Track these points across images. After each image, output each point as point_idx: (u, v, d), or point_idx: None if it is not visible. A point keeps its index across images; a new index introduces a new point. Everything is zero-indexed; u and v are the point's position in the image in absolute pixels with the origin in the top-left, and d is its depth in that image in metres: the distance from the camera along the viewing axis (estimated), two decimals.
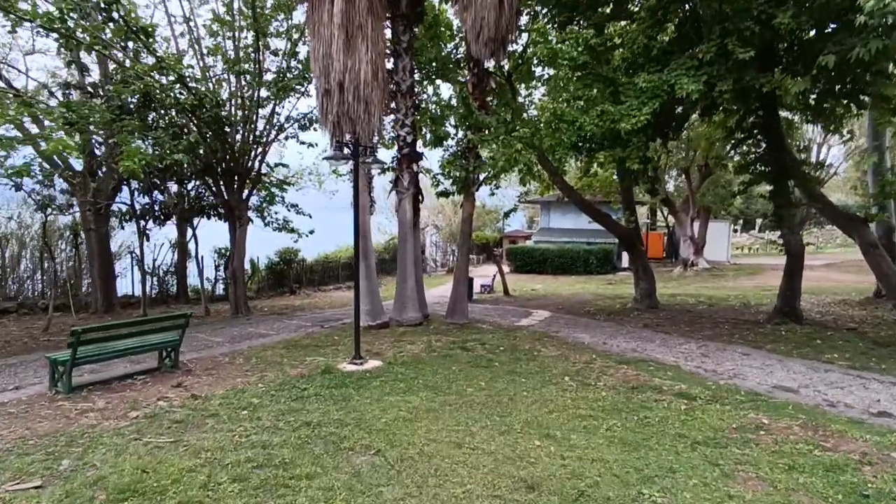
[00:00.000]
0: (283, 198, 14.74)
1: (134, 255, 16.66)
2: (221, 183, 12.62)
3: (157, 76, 10.47)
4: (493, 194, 15.91)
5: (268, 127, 13.17)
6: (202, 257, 15.93)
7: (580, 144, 10.44)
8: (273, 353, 9.24)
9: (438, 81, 13.28)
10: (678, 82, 7.95)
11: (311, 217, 15.34)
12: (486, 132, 11.56)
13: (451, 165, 12.07)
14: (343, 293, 21.77)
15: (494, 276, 20.34)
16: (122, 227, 13.53)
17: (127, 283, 16.91)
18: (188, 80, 10.34)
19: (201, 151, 11.47)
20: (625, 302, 15.98)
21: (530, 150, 10.64)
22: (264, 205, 14.31)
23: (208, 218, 13.94)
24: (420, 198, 13.21)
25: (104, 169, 13.08)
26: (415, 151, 12.07)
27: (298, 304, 17.84)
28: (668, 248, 35.17)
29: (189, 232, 16.42)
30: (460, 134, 12.60)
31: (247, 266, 19.66)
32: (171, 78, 10.64)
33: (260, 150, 13.21)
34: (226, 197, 12.67)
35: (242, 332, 11.31)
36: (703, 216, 28.92)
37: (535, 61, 11.58)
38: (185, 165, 11.63)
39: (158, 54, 10.09)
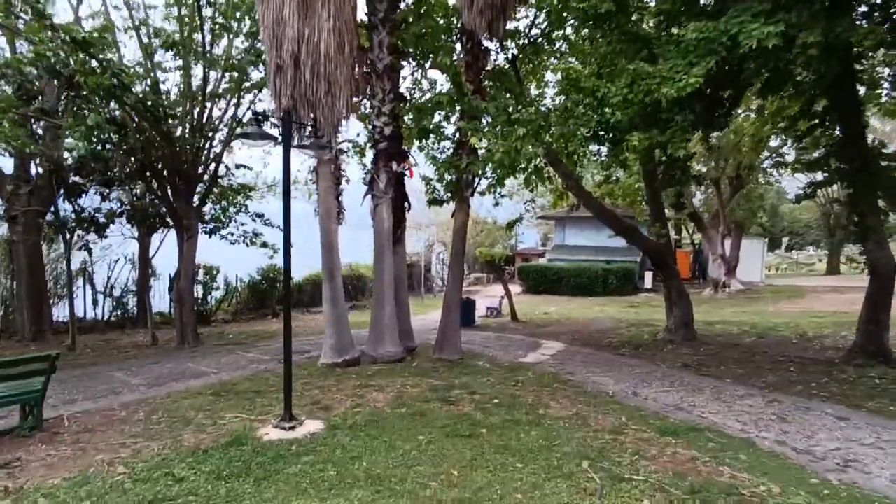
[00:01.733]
0: (246, 206, 12.58)
1: (88, 272, 14.63)
2: (168, 188, 10.47)
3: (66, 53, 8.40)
4: (497, 204, 13.44)
5: (222, 123, 11.06)
6: (157, 275, 13.82)
7: (601, 133, 8.08)
8: (191, 404, 6.90)
9: (427, 65, 11.04)
10: (743, 30, 5.58)
11: (278, 228, 13.16)
12: (482, 122, 9.26)
13: (445, 166, 9.78)
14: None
15: (502, 297, 17.87)
16: (55, 239, 11.38)
17: (82, 304, 14.86)
18: (95, 51, 8.22)
19: (126, 147, 9.40)
20: (654, 331, 13.38)
21: (536, 143, 8.28)
22: (218, 213, 12.13)
23: (152, 229, 11.71)
24: (406, 205, 10.93)
25: (39, 169, 11.06)
26: (395, 146, 9.81)
27: (274, 329, 15.51)
28: (694, 268, 32.32)
29: (154, 245, 14.36)
30: (451, 128, 10.31)
31: (235, 282, 17.54)
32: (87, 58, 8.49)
33: (215, 149, 11.08)
34: (172, 203, 10.54)
35: (174, 371, 9.01)
36: (736, 233, 26.15)
37: (542, 18, 9.26)
38: (109, 161, 9.55)
39: (53, 20, 8.04)
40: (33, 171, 10.90)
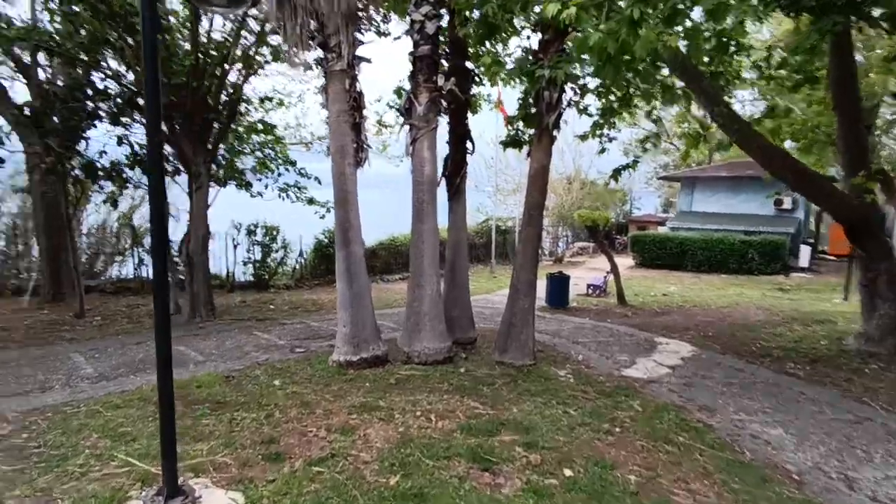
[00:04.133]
0: (275, 152, 10.28)
1: (132, 228, 13.57)
2: (175, 125, 8.37)
3: None
4: (602, 150, 9.93)
5: (243, 40, 8.61)
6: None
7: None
8: (106, 423, 4.68)
9: None
10: None
11: (316, 180, 10.79)
12: None
13: (516, 73, 6.57)
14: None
15: (608, 273, 14.20)
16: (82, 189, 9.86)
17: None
18: None
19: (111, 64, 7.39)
20: (833, 333, 9.14)
21: (659, 28, 4.68)
22: (229, 156, 9.90)
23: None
24: (469, 143, 7.89)
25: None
26: (438, 51, 6.75)
27: (333, 298, 13.42)
28: None
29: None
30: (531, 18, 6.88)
31: (297, 245, 15.78)
32: None
33: (233, 72, 8.73)
34: (179, 143, 8.45)
35: (151, 356, 6.97)
36: None
37: None
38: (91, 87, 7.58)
39: None
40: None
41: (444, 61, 7.80)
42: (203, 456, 4.03)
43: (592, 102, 9.18)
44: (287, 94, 13.03)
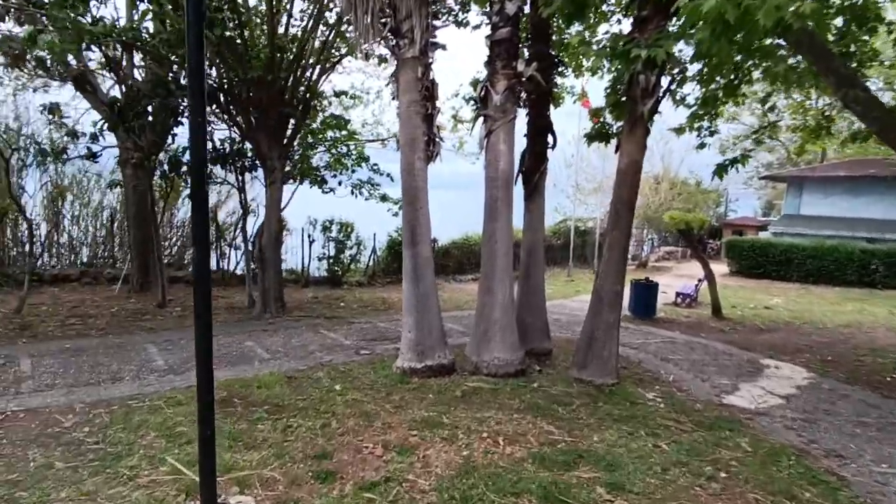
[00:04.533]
0: (349, 148, 10.08)
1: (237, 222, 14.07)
2: (252, 119, 8.36)
3: None
4: (702, 146, 8.91)
5: (320, 35, 8.40)
6: (289, 229, 12.43)
7: None
8: (165, 420, 4.58)
9: None
10: None
11: (388, 177, 10.49)
12: None
13: (605, 53, 5.88)
14: None
15: (700, 281, 12.88)
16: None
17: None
18: None
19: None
20: None
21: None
22: (303, 151, 9.76)
23: (240, 172, 9.80)
24: (549, 137, 7.27)
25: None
26: (518, 35, 6.15)
27: (397, 298, 13.22)
28: None
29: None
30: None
31: (371, 242, 15.83)
32: None
33: (309, 68, 8.57)
34: (255, 138, 8.44)
35: (222, 351, 6.95)
36: None
37: None
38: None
39: None
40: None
41: (525, 50, 7.24)
42: (252, 468, 3.76)
43: (691, 91, 8.23)
44: (365, 90, 13.00)
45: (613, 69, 7.26)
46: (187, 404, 4.96)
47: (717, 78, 7.34)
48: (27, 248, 9.70)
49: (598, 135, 7.94)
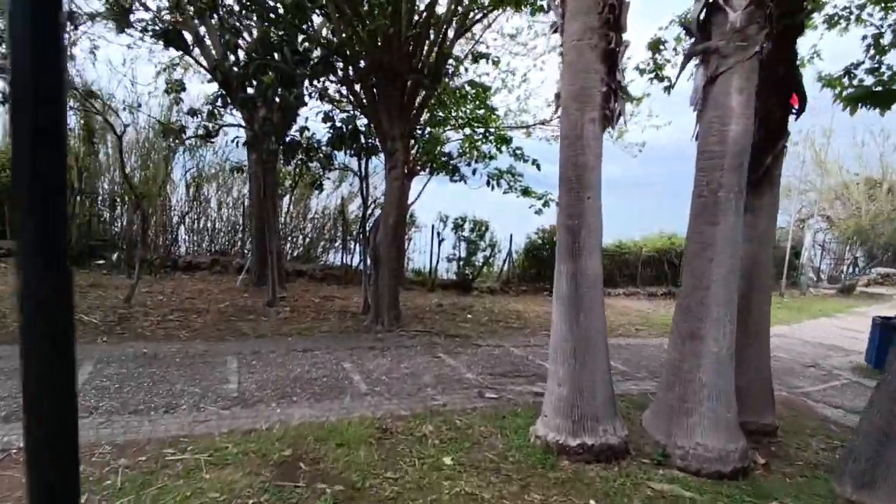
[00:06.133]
0: (486, 130, 8.05)
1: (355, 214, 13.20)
2: (377, 92, 6.83)
3: None
4: None
5: None
6: (417, 225, 10.94)
7: None
8: (224, 480, 3.08)
9: None
10: None
11: (538, 167, 8.27)
12: None
13: None
14: (637, 303, 13.84)
15: None
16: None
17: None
18: None
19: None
20: None
21: None
22: (435, 130, 7.91)
23: (359, 155, 8.27)
24: (796, 95, 4.68)
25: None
26: None
27: (542, 312, 11.04)
28: None
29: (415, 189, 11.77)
30: None
31: (506, 243, 13.97)
32: None
33: (446, 18, 6.74)
34: (376, 113, 6.89)
35: (309, 374, 5.46)
36: None
37: None
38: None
39: None
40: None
41: None
42: None
43: None
44: (511, 70, 11.10)
45: None
46: (235, 464, 3.44)
47: None
48: (139, 235, 9.36)
49: (860, 96, 5.04)
